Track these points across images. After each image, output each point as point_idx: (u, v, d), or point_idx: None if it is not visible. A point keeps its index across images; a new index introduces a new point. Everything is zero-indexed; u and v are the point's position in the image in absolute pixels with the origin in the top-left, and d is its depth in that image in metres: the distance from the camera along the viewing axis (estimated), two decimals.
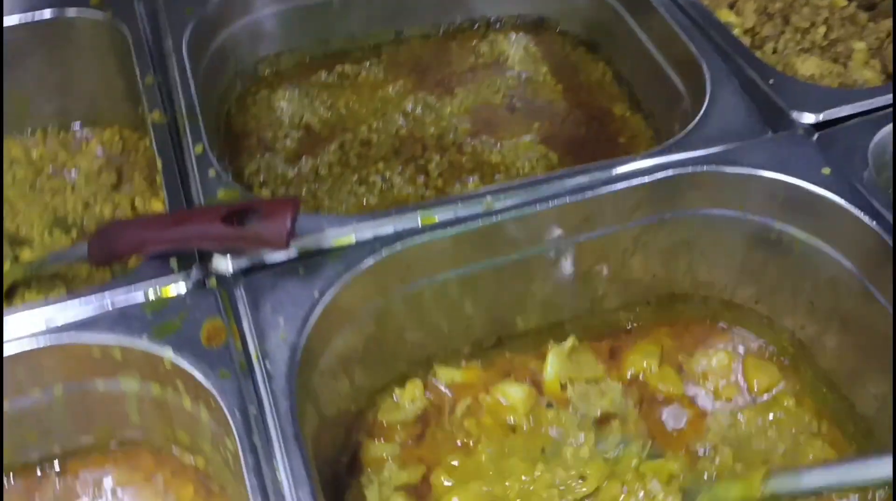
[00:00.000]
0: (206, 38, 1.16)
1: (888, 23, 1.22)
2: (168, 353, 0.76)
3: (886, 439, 0.91)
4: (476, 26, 1.35)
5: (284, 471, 0.69)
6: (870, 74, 1.14)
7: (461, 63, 1.30)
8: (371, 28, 1.31)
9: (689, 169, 0.92)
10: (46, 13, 1.12)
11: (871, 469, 0.73)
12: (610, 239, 0.95)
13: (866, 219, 0.86)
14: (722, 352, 1.04)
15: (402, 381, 0.97)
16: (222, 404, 0.73)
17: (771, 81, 1.02)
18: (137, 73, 1.04)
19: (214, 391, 0.74)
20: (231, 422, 0.71)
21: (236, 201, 0.86)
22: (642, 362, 1.02)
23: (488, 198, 0.89)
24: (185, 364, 0.75)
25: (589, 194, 0.90)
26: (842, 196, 0.88)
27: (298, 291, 0.81)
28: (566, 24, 1.35)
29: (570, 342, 1.01)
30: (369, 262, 0.84)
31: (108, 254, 0.86)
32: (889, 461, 0.70)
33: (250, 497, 0.68)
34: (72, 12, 1.12)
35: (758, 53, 1.16)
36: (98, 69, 1.17)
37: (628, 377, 1.01)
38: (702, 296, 1.05)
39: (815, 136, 0.96)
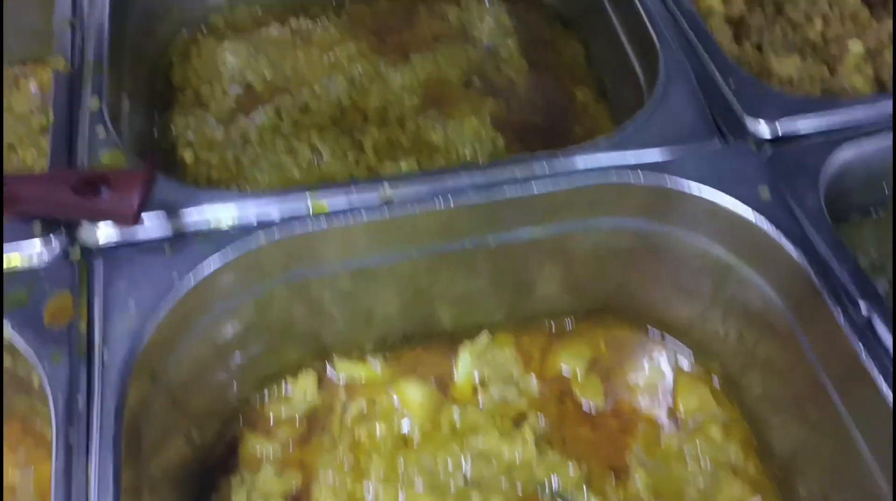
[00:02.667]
0: None
1: (889, 26, 1.09)
2: (7, 329, 0.72)
3: (803, 489, 0.83)
4: None
5: (94, 478, 0.64)
6: (860, 82, 1.02)
7: (425, 28, 1.21)
8: None
9: (613, 178, 0.83)
10: None
11: None
12: (524, 244, 0.87)
13: (796, 253, 0.77)
14: (654, 367, 0.97)
15: (295, 370, 0.92)
16: (48, 390, 0.68)
17: (730, 81, 0.92)
18: (55, 11, 0.99)
19: (43, 376, 0.69)
20: (52, 413, 0.67)
21: (91, 171, 0.79)
22: (571, 363, 0.96)
23: (386, 186, 0.82)
24: (20, 343, 0.71)
25: (496, 193, 0.82)
26: (774, 224, 0.79)
27: (158, 272, 0.75)
28: None
29: (484, 338, 0.95)
30: (245, 248, 0.78)
31: None
32: None
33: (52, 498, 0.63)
34: None
35: (733, 49, 1.05)
36: (37, 3, 1.12)
37: (551, 377, 0.95)
38: (636, 310, 0.97)
39: (768, 150, 0.86)
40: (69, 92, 0.90)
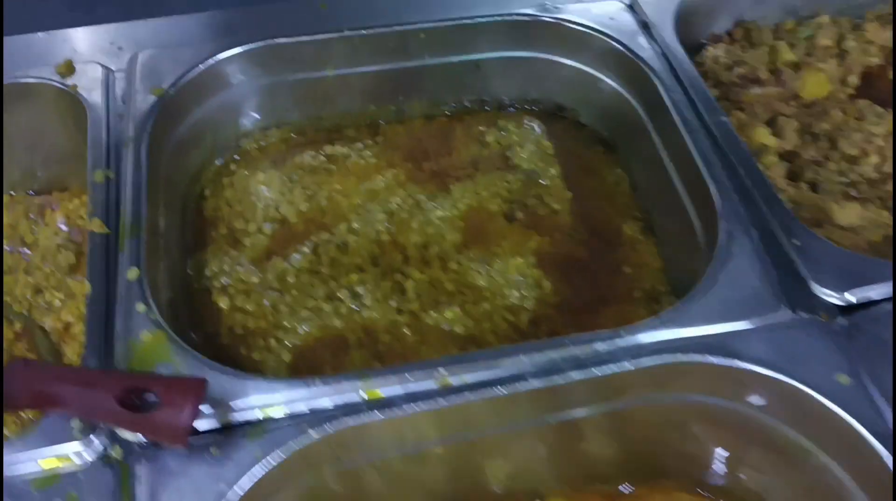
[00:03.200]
0: (177, 113, 1.06)
1: None
2: None
3: None
4: (486, 109, 1.23)
5: None
6: None
7: (463, 153, 1.17)
8: (369, 104, 1.20)
9: (679, 358, 0.79)
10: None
11: None
12: (583, 419, 0.83)
13: (877, 444, 0.73)
14: None
15: None
16: None
17: (793, 238, 0.88)
18: (89, 164, 0.95)
19: None
20: None
21: (137, 375, 0.75)
22: None
23: (442, 372, 0.78)
24: None
25: (556, 377, 0.78)
26: (858, 419, 0.75)
27: (204, 480, 0.71)
28: (586, 115, 1.21)
29: None
30: (296, 445, 0.74)
31: (8, 400, 0.77)
32: None
33: None
34: (33, 78, 1.03)
35: (790, 190, 1.01)
36: (64, 136, 1.09)
37: None
38: (698, 478, 0.92)
39: (841, 322, 0.82)
40: (105, 260, 0.86)
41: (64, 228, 1.11)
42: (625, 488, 0.93)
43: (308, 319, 0.99)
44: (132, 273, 0.85)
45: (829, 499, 0.79)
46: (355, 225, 1.07)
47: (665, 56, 1.10)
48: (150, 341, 0.80)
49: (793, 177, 1.05)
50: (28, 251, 1.08)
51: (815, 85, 1.14)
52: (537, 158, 1.16)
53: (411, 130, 1.21)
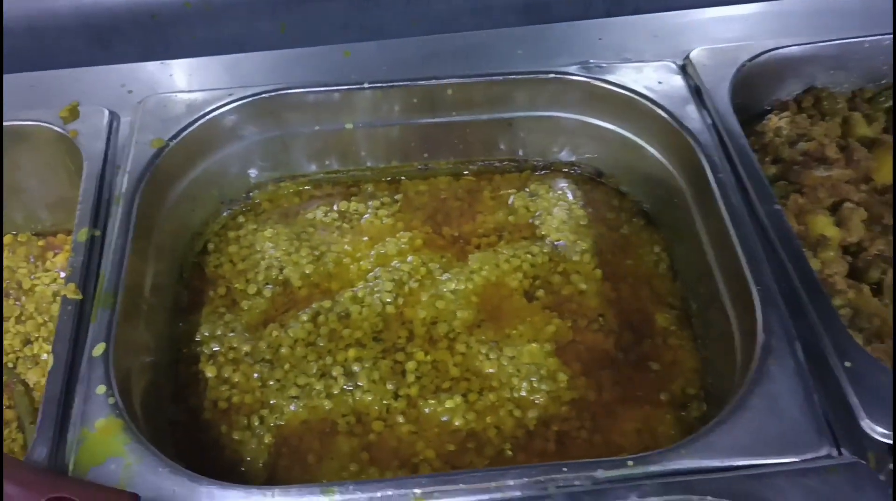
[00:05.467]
0: (180, 166, 1.00)
1: None
2: None
3: None
4: (517, 170, 1.13)
5: None
6: None
7: (488, 217, 1.08)
8: (392, 160, 1.11)
9: (694, 499, 0.68)
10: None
11: None
12: None
13: None
14: None
15: None
16: None
17: (847, 363, 0.76)
18: (76, 221, 0.90)
19: None
20: None
21: (67, 481, 0.68)
22: None
23: (417, 493, 0.69)
24: None
25: None
26: None
27: None
28: (627, 183, 1.10)
29: None
30: None
31: None
32: None
33: None
34: (31, 121, 0.99)
35: (850, 293, 0.88)
36: (67, 181, 1.04)
37: None
38: None
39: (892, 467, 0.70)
40: (77, 330, 0.80)
41: (63, 274, 1.07)
42: None
43: (297, 397, 0.91)
44: (98, 349, 0.78)
45: None
46: (360, 294, 0.99)
47: (715, 127, 0.98)
48: (103, 429, 0.73)
49: (856, 276, 0.92)
50: (23, 299, 1.04)
51: (892, 167, 1.00)
52: (568, 228, 1.05)
53: (434, 188, 1.12)
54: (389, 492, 0.69)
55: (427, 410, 0.90)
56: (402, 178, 1.13)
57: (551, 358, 0.94)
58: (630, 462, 0.70)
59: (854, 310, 0.87)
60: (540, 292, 1.00)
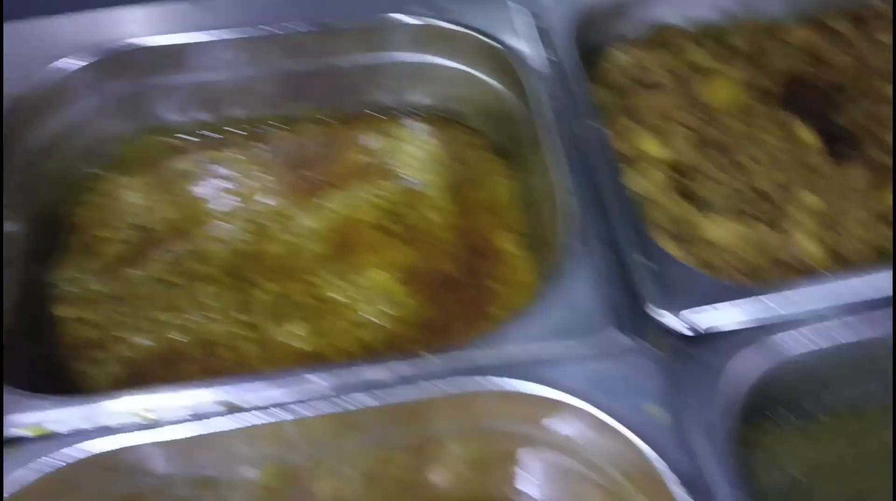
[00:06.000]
0: (33, 119, 1.02)
1: (857, 174, 0.96)
2: None
3: None
4: (376, 114, 1.16)
5: None
6: (815, 250, 0.89)
7: (347, 161, 1.12)
8: (255, 109, 1.15)
9: (481, 382, 0.72)
10: None
11: None
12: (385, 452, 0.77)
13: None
14: None
15: None
16: None
17: (639, 257, 0.80)
18: None
19: None
20: None
21: None
22: None
23: (224, 392, 0.72)
24: None
25: (348, 403, 0.71)
26: (665, 459, 0.66)
27: None
28: (479, 121, 1.14)
29: None
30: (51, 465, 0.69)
31: None
32: None
33: None
34: None
35: (668, 204, 0.93)
36: None
37: None
38: None
39: (674, 351, 0.74)
40: None
41: None
42: None
43: (149, 330, 0.94)
44: None
45: None
46: (219, 235, 1.03)
47: (559, 63, 1.02)
48: None
49: (679, 193, 0.96)
50: None
51: (721, 92, 1.05)
52: (421, 165, 1.10)
53: (295, 135, 1.15)
54: (201, 390, 0.72)
55: (274, 335, 0.94)
56: (264, 126, 1.16)
57: (401, 285, 0.98)
58: (430, 356, 0.74)
59: (671, 219, 0.92)
60: (392, 226, 1.04)
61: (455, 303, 0.97)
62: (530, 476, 0.78)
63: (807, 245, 0.89)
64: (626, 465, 0.70)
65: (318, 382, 0.73)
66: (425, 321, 0.95)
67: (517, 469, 0.79)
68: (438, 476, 0.79)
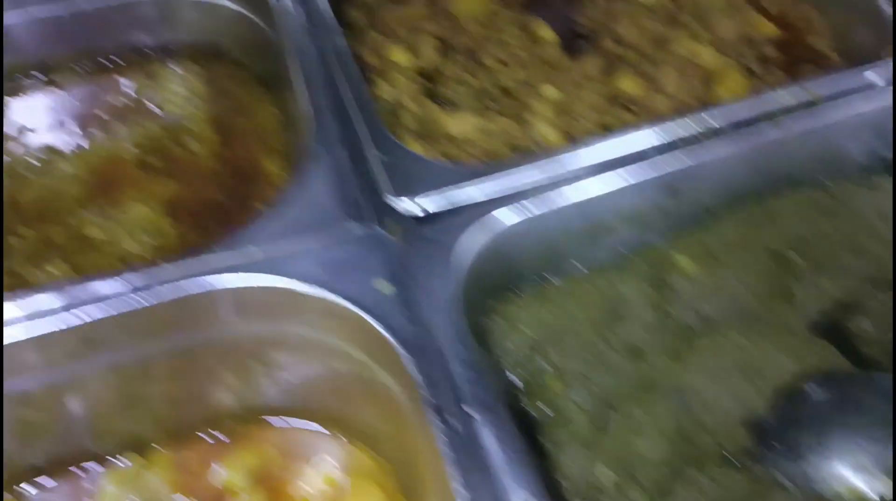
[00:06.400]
0: None
1: (591, 64, 1.02)
2: None
3: None
4: (137, 56, 1.14)
5: None
6: (552, 135, 0.94)
7: (110, 103, 1.09)
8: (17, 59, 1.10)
9: (213, 281, 0.73)
10: None
11: None
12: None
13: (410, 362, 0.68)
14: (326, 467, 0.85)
15: None
16: None
17: (378, 153, 0.83)
18: None
19: None
20: None
21: None
22: (234, 477, 0.84)
23: None
24: None
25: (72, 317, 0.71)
26: (385, 324, 0.70)
27: None
28: (241, 54, 1.13)
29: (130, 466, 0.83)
30: None
31: None
32: None
33: None
34: None
35: (416, 108, 0.96)
36: None
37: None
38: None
39: (404, 233, 0.77)
40: None
41: None
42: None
43: None
44: None
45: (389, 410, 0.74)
46: None
47: None
48: None
49: (431, 97, 1.00)
50: None
51: (467, 4, 1.09)
52: (186, 102, 1.09)
53: (57, 85, 1.11)
54: None
55: (32, 279, 0.91)
56: (21, 76, 1.11)
57: (162, 217, 0.97)
58: (161, 262, 0.75)
59: (418, 120, 0.95)
60: (154, 162, 1.03)
61: (221, 227, 0.97)
62: (282, 374, 0.80)
63: (544, 131, 0.94)
64: (363, 343, 0.73)
65: (49, 301, 0.72)
66: (190, 249, 0.95)
67: (266, 368, 0.80)
68: (197, 389, 0.80)
